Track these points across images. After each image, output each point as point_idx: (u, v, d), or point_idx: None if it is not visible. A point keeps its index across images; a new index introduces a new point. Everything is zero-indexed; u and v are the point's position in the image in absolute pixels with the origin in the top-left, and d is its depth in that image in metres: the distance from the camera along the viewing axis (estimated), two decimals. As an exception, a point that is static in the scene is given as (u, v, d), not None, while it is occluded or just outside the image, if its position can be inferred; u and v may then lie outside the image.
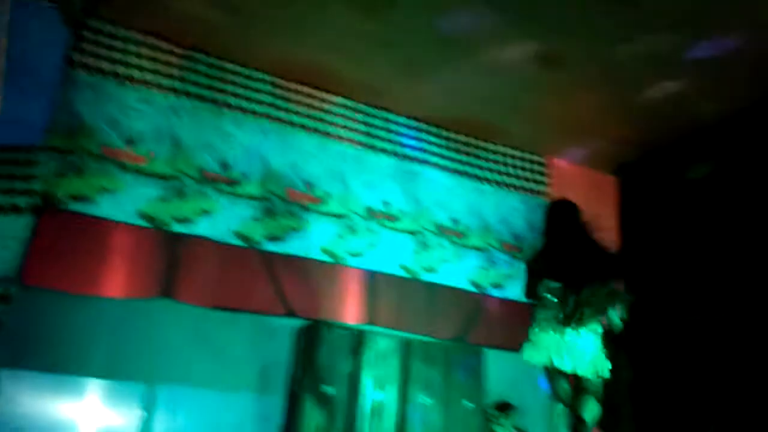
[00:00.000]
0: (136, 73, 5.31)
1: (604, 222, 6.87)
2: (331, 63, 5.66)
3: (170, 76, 5.44)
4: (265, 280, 5.42)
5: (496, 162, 6.96)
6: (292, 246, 5.63)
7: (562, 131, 6.70)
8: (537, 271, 3.96)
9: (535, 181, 7.07)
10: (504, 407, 6.00)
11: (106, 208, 4.93)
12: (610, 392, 5.30)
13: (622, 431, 6.09)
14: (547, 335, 3.77)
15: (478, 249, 6.57)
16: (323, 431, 4.83)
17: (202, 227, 5.28)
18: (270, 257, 5.49)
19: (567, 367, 3.69)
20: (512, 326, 6.49)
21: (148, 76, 5.35)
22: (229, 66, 5.71)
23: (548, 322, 3.78)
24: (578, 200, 6.90)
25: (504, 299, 6.56)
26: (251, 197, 5.56)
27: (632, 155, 6.94)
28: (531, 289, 3.98)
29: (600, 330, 3.76)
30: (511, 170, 7.01)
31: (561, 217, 4.12)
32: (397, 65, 5.63)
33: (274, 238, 5.58)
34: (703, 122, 6.14)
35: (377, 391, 5.11)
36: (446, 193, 6.59)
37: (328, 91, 6.11)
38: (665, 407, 6.15)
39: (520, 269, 6.67)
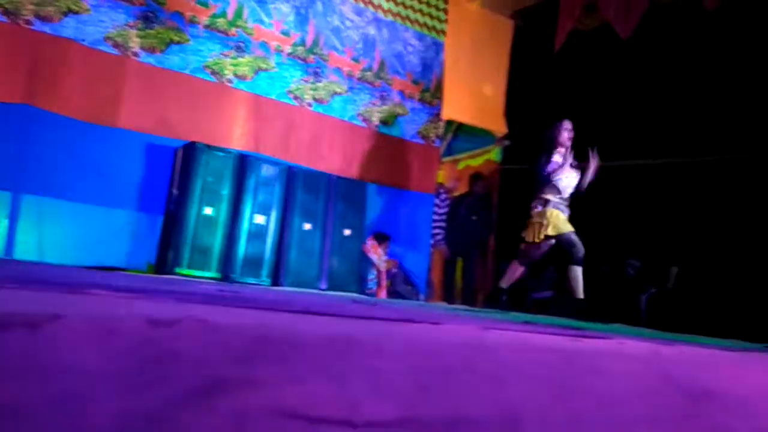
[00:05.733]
0: None
1: (497, 64, 7.03)
2: None
3: None
4: (142, 95, 5.09)
5: (396, -8, 6.69)
6: (173, 61, 5.26)
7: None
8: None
9: (432, 17, 6.92)
10: (380, 237, 6.34)
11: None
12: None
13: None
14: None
15: (370, 84, 6.49)
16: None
17: (70, 29, 4.76)
18: (148, 71, 5.12)
19: None
20: (395, 163, 6.69)
21: None
22: None
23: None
24: (472, 42, 6.93)
25: (390, 136, 6.66)
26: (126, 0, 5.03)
27: (531, 1, 6.91)
28: None
29: None
30: (410, 2, 6.78)
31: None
32: None
33: (152, 50, 5.16)
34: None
35: (259, 215, 5.17)
36: (343, 22, 6.31)
37: None
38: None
39: (410, 108, 6.80)
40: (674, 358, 1.47)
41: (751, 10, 5.43)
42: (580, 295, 4.52)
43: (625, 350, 1.50)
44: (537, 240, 4.71)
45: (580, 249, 4.56)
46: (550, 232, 4.65)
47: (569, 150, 4.76)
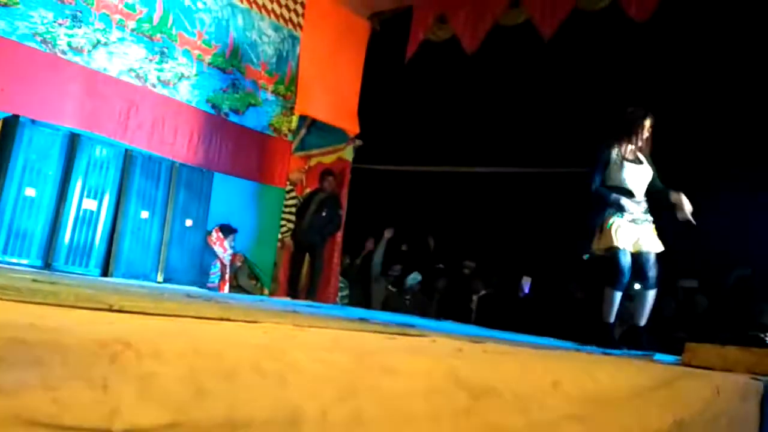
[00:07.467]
0: None
1: (350, 63, 7.12)
2: None
3: None
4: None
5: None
6: (-4, 24, 4.74)
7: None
8: None
9: (290, 10, 6.84)
10: (226, 230, 6.16)
11: None
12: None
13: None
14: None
15: (220, 69, 6.28)
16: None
17: None
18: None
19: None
20: (245, 154, 6.54)
21: None
22: None
23: None
24: (328, 39, 6.96)
25: (241, 126, 6.50)
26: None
27: (389, 5, 7.08)
28: None
29: None
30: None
31: None
32: None
33: (-29, 10, 4.61)
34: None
35: (89, 199, 4.80)
36: (195, 3, 6.04)
37: None
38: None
39: (262, 99, 6.67)
40: (473, 356, 1.58)
41: (585, 42, 6.00)
42: (606, 318, 3.77)
43: (430, 348, 1.59)
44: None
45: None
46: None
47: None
